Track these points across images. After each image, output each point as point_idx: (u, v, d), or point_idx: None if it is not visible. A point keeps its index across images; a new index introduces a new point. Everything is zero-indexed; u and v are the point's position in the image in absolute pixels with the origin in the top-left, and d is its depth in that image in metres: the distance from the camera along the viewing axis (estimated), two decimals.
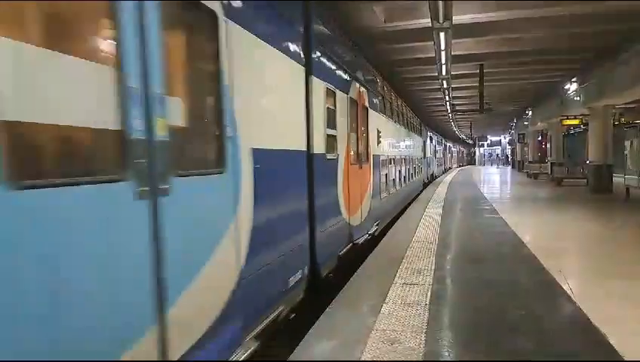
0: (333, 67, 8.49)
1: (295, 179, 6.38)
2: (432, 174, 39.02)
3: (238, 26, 4.47)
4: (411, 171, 22.08)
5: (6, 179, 2.21)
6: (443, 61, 17.90)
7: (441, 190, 26.93)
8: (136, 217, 3.06)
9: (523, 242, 10.85)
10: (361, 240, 10.14)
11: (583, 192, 24.42)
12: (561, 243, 11.41)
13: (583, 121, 29.92)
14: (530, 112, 41.09)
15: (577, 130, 34.18)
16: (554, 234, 12.59)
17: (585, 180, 27.36)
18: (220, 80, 4.18)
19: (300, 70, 6.60)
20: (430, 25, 13.09)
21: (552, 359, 4.83)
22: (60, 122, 2.72)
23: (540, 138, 44.62)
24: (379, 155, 13.03)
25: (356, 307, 6.44)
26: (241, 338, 4.46)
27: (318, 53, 7.48)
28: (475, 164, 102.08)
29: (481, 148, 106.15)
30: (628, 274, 8.07)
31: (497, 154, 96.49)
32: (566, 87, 27.60)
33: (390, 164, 15.40)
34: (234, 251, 4.35)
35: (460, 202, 20.42)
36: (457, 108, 38.48)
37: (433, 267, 8.55)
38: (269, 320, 5.13)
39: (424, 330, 5.51)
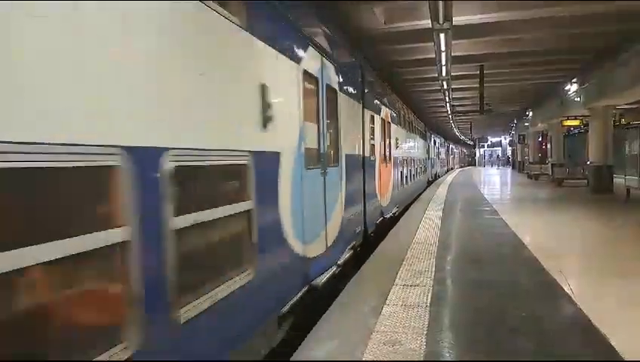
0: (374, 100, 13.09)
1: (358, 170, 10.54)
2: (436, 174, 42.52)
3: (343, 94, 8.98)
4: (419, 170, 26.34)
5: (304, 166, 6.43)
6: (443, 62, 17.89)
7: (441, 191, 26.92)
8: (321, 182, 7.39)
9: (523, 243, 10.85)
10: (387, 216, 14.42)
11: (583, 193, 24.42)
12: (561, 243, 11.41)
13: (584, 122, 29.93)
14: (531, 113, 41.08)
15: (578, 130, 34.16)
16: (554, 235, 12.59)
17: (585, 181, 27.34)
18: (339, 119, 8.62)
19: (359, 106, 10.86)
20: (430, 26, 13.08)
21: (553, 359, 4.83)
22: (313, 146, 7.06)
23: (540, 139, 44.61)
24: (397, 157, 17.17)
25: (357, 308, 6.44)
26: (344, 249, 8.84)
27: (367, 93, 11.80)
28: (475, 164, 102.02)
29: (482, 149, 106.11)
30: (630, 273, 8.07)
31: (498, 155, 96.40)
32: (566, 87, 27.60)
33: (404, 164, 19.42)
34: (341, 204, 8.73)
35: (461, 203, 20.42)
36: (457, 109, 38.48)
37: (434, 268, 8.55)
38: (350, 246, 9.36)
39: (425, 332, 5.51)
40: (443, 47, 15.49)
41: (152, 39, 3.40)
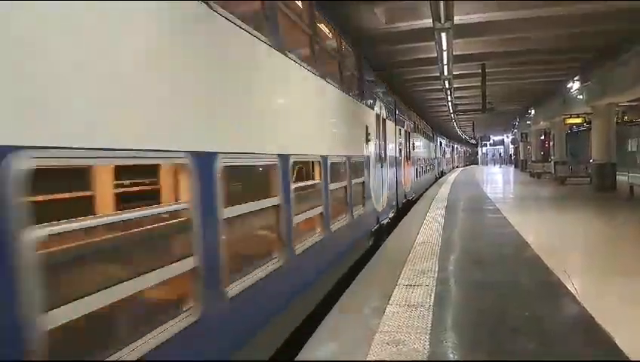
0: (401, 118, 18.52)
1: (393, 167, 15.86)
2: (442, 171, 49.82)
3: (387, 120, 14.87)
4: (429, 168, 33.86)
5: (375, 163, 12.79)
6: (445, 61, 17.87)
7: (444, 190, 26.91)
8: (380, 172, 13.31)
9: (527, 242, 10.84)
10: (409, 198, 20.41)
11: (586, 191, 24.38)
12: (565, 242, 11.41)
13: (586, 120, 29.87)
14: (533, 111, 41.00)
15: (580, 128, 34.08)
16: (558, 234, 12.58)
17: (588, 179, 27.29)
18: (385, 135, 14.41)
19: (393, 125, 16.26)
20: (431, 25, 13.07)
21: (557, 359, 4.82)
22: (377, 152, 13.18)
23: (542, 137, 44.53)
24: (414, 157, 23.05)
25: (360, 309, 6.45)
26: (389, 211, 14.54)
27: (397, 115, 17.44)
28: (478, 163, 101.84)
29: (484, 148, 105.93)
30: (635, 272, 8.06)
31: (500, 154, 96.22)
32: (568, 85, 27.56)
33: (418, 162, 25.80)
34: (387, 185, 14.35)
35: (463, 202, 20.43)
36: (460, 108, 38.43)
37: (437, 268, 8.55)
38: (392, 210, 15.26)
39: (428, 332, 5.51)
40: (444, 47, 15.48)
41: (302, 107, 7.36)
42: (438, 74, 21.37)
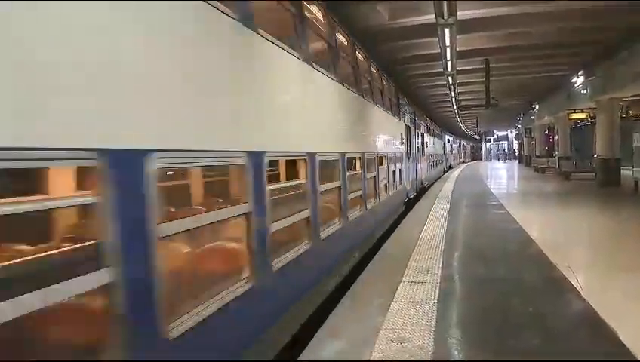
0: (419, 123, 24.49)
1: (414, 161, 21.69)
2: (450, 165, 56.01)
3: (411, 126, 21.23)
4: (438, 162, 40.25)
5: (406, 157, 19.53)
6: (448, 57, 17.84)
7: (448, 186, 26.90)
8: (408, 164, 19.40)
9: (531, 238, 10.82)
10: (425, 185, 25.86)
11: (591, 186, 24.31)
12: (569, 238, 11.39)
13: (590, 115, 29.77)
14: (537, 106, 40.90)
15: (585, 123, 33.96)
16: (562, 229, 12.56)
17: (593, 174, 27.22)
18: (409, 138, 20.24)
19: (415, 129, 22.41)
20: (434, 21, 13.04)
21: (562, 358, 4.82)
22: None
23: (547, 132, 44.40)
24: (428, 154, 29.64)
25: (365, 306, 6.46)
26: (412, 192, 20.47)
27: (416, 121, 23.38)
28: (481, 159, 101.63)
29: (488, 144, 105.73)
30: (638, 267, 8.05)
31: (504, 149, 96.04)
32: (572, 80, 27.48)
33: (430, 158, 31.98)
34: (413, 173, 21.28)
35: (467, 198, 20.40)
36: (463, 103, 38.36)
37: (441, 264, 8.55)
38: (413, 192, 20.98)
39: (433, 329, 5.51)
40: (448, 43, 15.45)
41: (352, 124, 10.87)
42: (441, 70, 21.32)
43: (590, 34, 18.88)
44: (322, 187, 7.35)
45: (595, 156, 26.18)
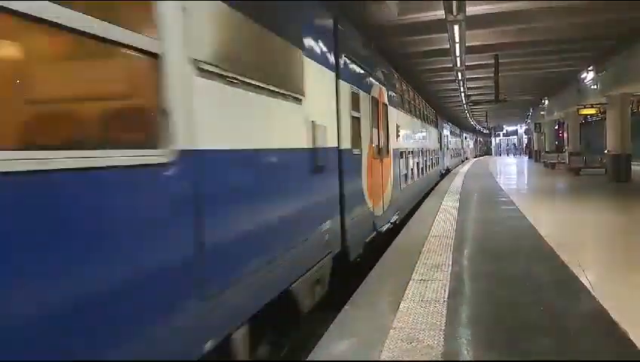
0: (444, 126, 36.07)
1: (442, 153, 31.51)
2: (467, 157, 69.77)
3: (445, 131, 36.16)
4: (456, 154, 50.40)
5: (441, 150, 32.27)
6: (457, 53, 17.80)
7: (457, 181, 26.83)
8: (442, 155, 31.78)
9: (541, 235, 10.76)
10: (447, 167, 36.55)
11: (601, 182, 24.17)
12: (580, 235, 11.34)
13: (601, 110, 29.59)
14: (547, 102, 40.68)
15: (595, 118, 33.76)
16: (573, 227, 12.50)
17: (603, 170, 27.07)
18: (441, 140, 32.19)
19: (436, 130, 29.12)
20: (444, 17, 13.00)
21: (574, 358, 4.80)
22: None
23: (557, 127, 44.17)
24: (451, 148, 41.43)
25: (374, 304, 6.46)
26: (442, 171, 31.79)
27: (444, 127, 35.94)
28: (491, 154, 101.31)
29: (497, 138, 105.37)
30: None
31: (514, 144, 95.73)
32: (583, 75, 27.30)
33: (452, 151, 43.49)
34: (443, 161, 32.99)
35: (477, 194, 20.33)
36: (473, 99, 38.27)
37: (450, 262, 8.53)
38: (442, 171, 32.03)
39: (443, 328, 5.51)
40: (457, 39, 15.41)
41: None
42: (450, 65, 21.26)
43: (600, 29, 18.72)
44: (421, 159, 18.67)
45: (606, 152, 26.03)
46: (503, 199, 18.05)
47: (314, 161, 5.80)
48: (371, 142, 9.39)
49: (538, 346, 5.08)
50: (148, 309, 2.88)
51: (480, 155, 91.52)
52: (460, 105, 43.58)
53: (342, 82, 7.34)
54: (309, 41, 5.92)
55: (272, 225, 4.67)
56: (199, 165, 3.40)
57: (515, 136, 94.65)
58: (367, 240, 8.78)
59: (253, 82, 4.22)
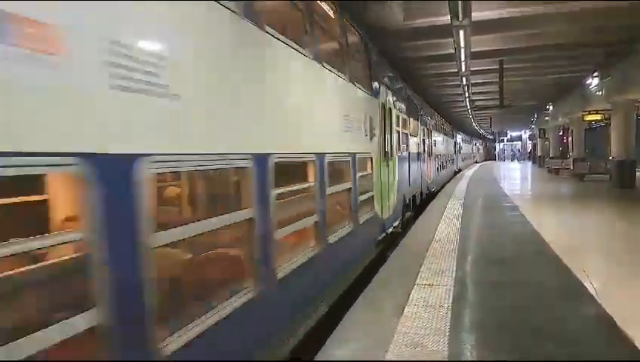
0: (457, 135, 48.60)
1: (455, 157, 44.50)
2: (476, 161, 79.81)
3: (458, 140, 50.78)
4: (466, 157, 62.52)
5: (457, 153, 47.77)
6: (462, 58, 17.79)
7: (462, 186, 26.80)
8: (453, 158, 43.04)
9: (545, 241, 10.74)
10: (459, 168, 48.13)
11: (605, 188, 24.11)
12: (584, 241, 11.30)
13: (606, 116, 29.53)
14: (551, 107, 40.63)
15: (600, 125, 33.69)
16: (577, 233, 12.46)
17: (607, 176, 27.00)
18: (455, 147, 45.37)
19: (452, 140, 41.92)
20: (449, 22, 13.01)
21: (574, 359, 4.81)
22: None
23: (561, 133, 44.10)
24: (462, 153, 55.29)
25: (379, 309, 6.47)
26: (454, 171, 42.47)
27: (457, 136, 48.44)
28: (495, 159, 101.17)
29: (501, 144, 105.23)
30: None
31: (518, 149, 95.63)
32: (587, 81, 27.26)
33: (460, 155, 52.02)
34: (457, 161, 47.25)
35: (481, 199, 20.30)
36: (477, 104, 38.28)
37: (454, 267, 8.53)
38: (455, 171, 43.61)
39: (447, 333, 5.51)
40: (462, 44, 15.41)
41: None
42: (455, 70, 21.26)
43: (605, 34, 18.72)
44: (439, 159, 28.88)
45: (610, 158, 25.96)
46: (507, 204, 18.02)
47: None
48: (429, 150, 21.45)
49: (542, 350, 5.09)
50: None
51: (484, 160, 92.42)
52: (465, 111, 43.60)
53: (420, 124, 17.78)
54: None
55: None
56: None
57: (520, 142, 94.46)
58: (428, 191, 21.23)
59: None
